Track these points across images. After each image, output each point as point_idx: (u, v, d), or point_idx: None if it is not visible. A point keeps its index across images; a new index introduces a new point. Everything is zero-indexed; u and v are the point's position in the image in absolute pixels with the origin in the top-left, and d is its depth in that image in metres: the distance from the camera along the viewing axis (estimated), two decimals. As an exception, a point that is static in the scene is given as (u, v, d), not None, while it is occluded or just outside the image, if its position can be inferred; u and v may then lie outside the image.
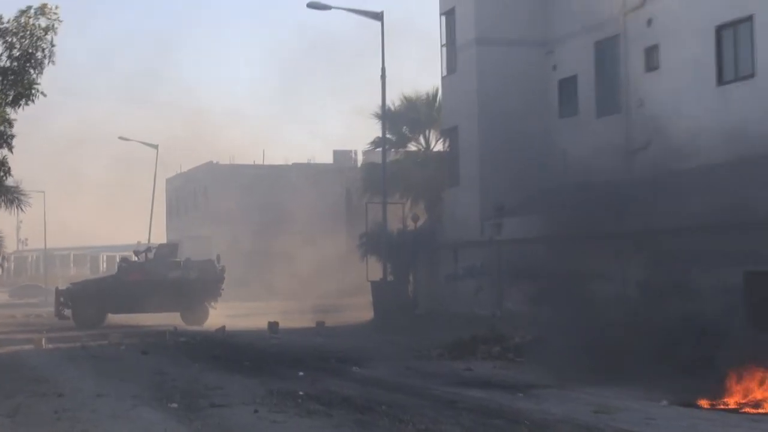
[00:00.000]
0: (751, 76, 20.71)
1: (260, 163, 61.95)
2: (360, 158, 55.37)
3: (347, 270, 36.12)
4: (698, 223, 17.68)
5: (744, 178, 18.22)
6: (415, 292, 30.97)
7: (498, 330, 19.99)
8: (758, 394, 12.75)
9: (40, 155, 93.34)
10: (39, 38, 15.23)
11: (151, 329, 28.99)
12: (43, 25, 15.29)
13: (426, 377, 15.93)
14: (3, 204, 21.64)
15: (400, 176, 32.42)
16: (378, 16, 30.09)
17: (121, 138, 54.95)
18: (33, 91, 15.44)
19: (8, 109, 15.64)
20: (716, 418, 11.83)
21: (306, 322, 28.88)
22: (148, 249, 35.79)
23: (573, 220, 20.17)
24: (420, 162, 33.24)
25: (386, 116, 31.56)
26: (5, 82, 15.36)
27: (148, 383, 15.37)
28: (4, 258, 69.29)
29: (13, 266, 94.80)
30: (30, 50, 15.24)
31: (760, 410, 12.28)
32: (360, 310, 31.36)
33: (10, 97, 15.42)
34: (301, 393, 13.65)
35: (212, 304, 33.03)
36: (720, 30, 21.48)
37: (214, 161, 61.59)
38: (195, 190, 63.44)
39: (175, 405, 12.98)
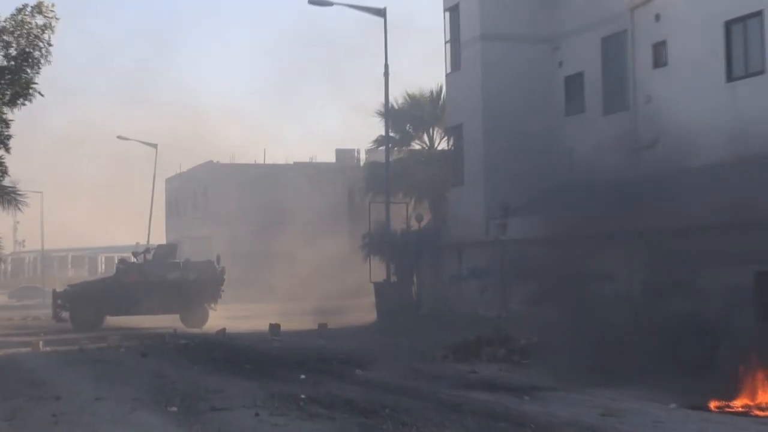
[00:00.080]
0: (761, 72, 20.71)
1: (261, 162, 61.98)
2: (363, 157, 55.40)
3: (350, 271, 36.15)
4: (706, 222, 17.69)
5: (753, 176, 18.22)
6: (418, 293, 30.98)
7: (503, 331, 19.99)
8: (767, 397, 12.76)
9: (37, 155, 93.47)
10: (36, 37, 15.26)
11: (150, 331, 29.03)
12: (40, 23, 15.32)
13: (430, 380, 15.95)
14: (0, 205, 21.67)
15: (404, 175, 32.44)
16: (381, 13, 30.12)
17: (119, 137, 55.08)
18: (30, 91, 15.48)
19: (5, 109, 15.68)
20: (725, 421, 11.84)
21: (308, 324, 28.91)
22: (147, 250, 35.84)
23: (579, 220, 20.19)
24: (424, 161, 33.26)
25: (389, 114, 31.58)
26: (2, 81, 15.40)
27: (148, 386, 15.40)
28: (1, 260, 69.44)
29: (10, 268, 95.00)
30: (27, 49, 15.27)
31: (769, 413, 12.30)
32: (363, 312, 31.38)
33: (7, 97, 15.46)
34: (303, 396, 13.68)
35: (212, 305, 33.06)
36: (729, 25, 21.48)
37: (214, 160, 61.64)
38: (195, 190, 63.50)
39: (174, 408, 13.01)
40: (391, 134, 32.63)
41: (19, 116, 16.11)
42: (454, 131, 29.92)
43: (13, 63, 15.37)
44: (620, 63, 25.22)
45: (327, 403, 13.09)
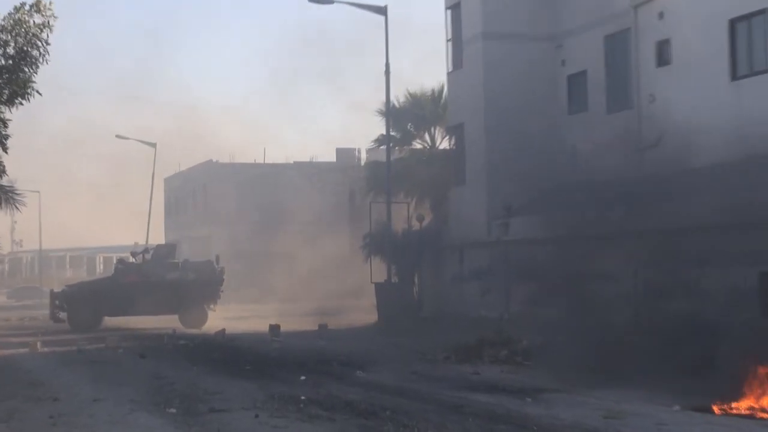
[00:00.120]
0: (766, 71, 20.71)
1: (261, 161, 62.00)
2: (363, 156, 55.42)
3: (350, 271, 36.16)
4: (710, 222, 17.68)
5: (758, 176, 18.22)
6: (420, 293, 30.98)
7: (505, 333, 19.98)
8: (772, 399, 12.76)
9: (35, 155, 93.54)
10: (35, 35, 15.26)
11: (149, 332, 29.04)
12: (38, 21, 15.33)
13: (431, 381, 15.95)
14: (-2, 204, 21.67)
15: (405, 175, 32.43)
16: (381, 11, 30.12)
17: (118, 136, 55.13)
18: (28, 90, 15.49)
19: (3, 108, 15.68)
20: (729, 424, 11.84)
21: (308, 324, 28.91)
22: (146, 250, 35.84)
23: (581, 220, 20.19)
24: (425, 160, 33.25)
25: (390, 113, 31.59)
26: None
27: (146, 387, 15.41)
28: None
29: (7, 268, 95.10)
30: (25, 48, 15.27)
31: (775, 415, 12.28)
32: (363, 313, 31.38)
33: (5, 96, 15.46)
34: (302, 397, 13.68)
35: (211, 306, 33.07)
36: (734, 23, 21.48)
37: (214, 160, 61.67)
38: (194, 190, 63.54)
39: (173, 410, 13.01)
40: (393, 133, 32.63)
41: (16, 115, 16.13)
42: (455, 130, 29.92)
43: (10, 62, 15.38)
44: (623, 61, 25.21)
45: (327, 404, 13.09)
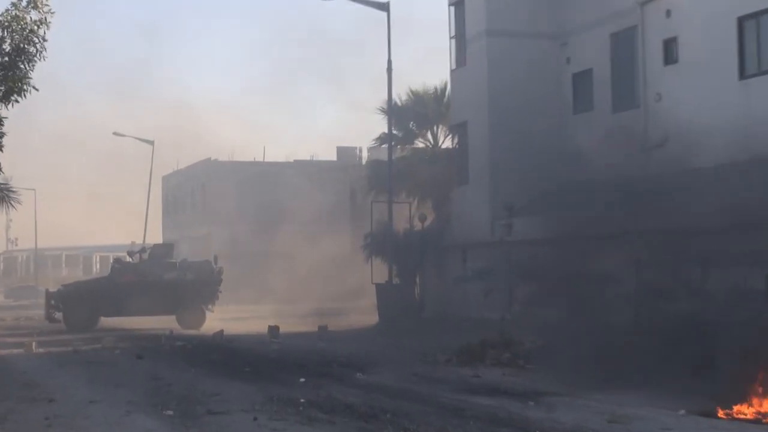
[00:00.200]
0: (775, 69, 20.74)
1: (260, 160, 62.01)
2: (365, 155, 55.46)
3: (351, 272, 36.19)
4: (717, 223, 17.70)
5: (765, 176, 18.23)
6: (421, 294, 31.00)
7: (508, 335, 20.00)
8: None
9: (30, 153, 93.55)
10: (31, 32, 15.28)
11: (146, 333, 29.07)
12: (35, 18, 15.35)
13: (432, 384, 15.98)
14: (-8, 202, 21.69)
15: (407, 174, 32.45)
16: (384, 7, 30.15)
17: (115, 134, 55.23)
18: (24, 87, 15.51)
19: (-2, 105, 15.71)
20: (735, 429, 11.87)
21: (308, 326, 28.94)
22: (143, 249, 35.85)
23: (585, 220, 20.21)
24: (427, 159, 33.28)
25: (392, 111, 31.61)
26: (-5, 78, 15.43)
27: (143, 389, 15.44)
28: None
29: (2, 267, 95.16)
30: (22, 45, 15.30)
31: (781, 420, 12.29)
32: (364, 314, 31.41)
33: (0, 93, 15.48)
34: (302, 400, 13.71)
35: (209, 306, 33.11)
36: (742, 21, 21.49)
37: (213, 158, 61.70)
38: (193, 188, 63.57)
39: (170, 412, 13.04)
40: (394, 132, 32.64)
41: (12, 113, 16.14)
42: (458, 129, 29.94)
43: (6, 59, 15.40)
44: (630, 60, 25.23)
45: (327, 407, 13.12)
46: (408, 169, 32.66)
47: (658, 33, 23.99)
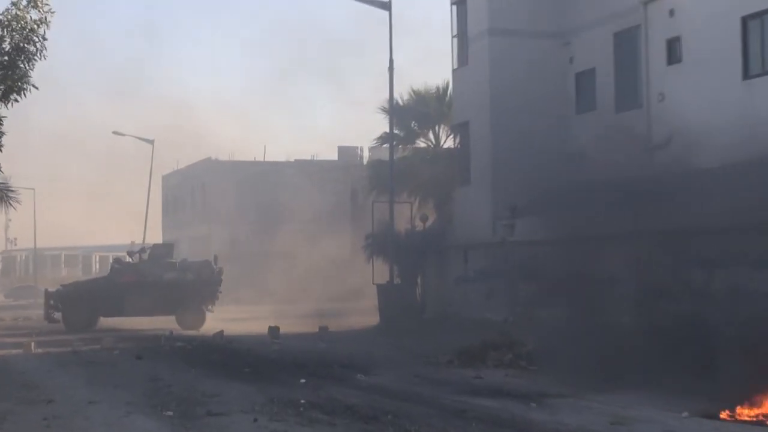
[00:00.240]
0: (779, 69, 20.73)
1: (261, 159, 62.03)
2: (366, 155, 55.47)
3: (352, 272, 36.19)
4: (721, 224, 17.67)
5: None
6: (423, 295, 31.00)
7: (510, 336, 20.00)
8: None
9: (29, 152, 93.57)
10: (31, 31, 15.28)
11: (146, 333, 29.08)
12: (35, 17, 15.35)
13: (434, 385, 15.97)
14: (-8, 201, 21.68)
15: (408, 174, 32.45)
16: (386, 6, 30.15)
17: (115, 133, 55.31)
18: (24, 85, 15.50)
19: (-3, 104, 15.70)
20: (738, 431, 11.85)
21: (308, 326, 28.94)
22: (143, 249, 35.86)
23: (588, 220, 20.18)
24: (429, 159, 33.28)
25: (394, 111, 31.59)
26: (-5, 77, 15.43)
27: (143, 390, 15.44)
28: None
29: (0, 266, 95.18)
30: (21, 44, 15.29)
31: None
32: (365, 315, 31.40)
33: (0, 93, 15.47)
34: (302, 401, 13.70)
35: (209, 307, 33.11)
36: (746, 21, 21.47)
37: (213, 157, 61.72)
38: (193, 188, 63.60)
39: (170, 413, 13.04)
40: (396, 131, 32.65)
41: (11, 112, 16.15)
42: (460, 128, 29.92)
43: (6, 58, 15.40)
44: (633, 59, 25.21)
45: (327, 408, 13.12)
46: (409, 168, 32.66)
47: (662, 32, 23.97)
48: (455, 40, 29.74)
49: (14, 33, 15.36)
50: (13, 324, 37.48)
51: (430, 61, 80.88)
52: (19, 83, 15.46)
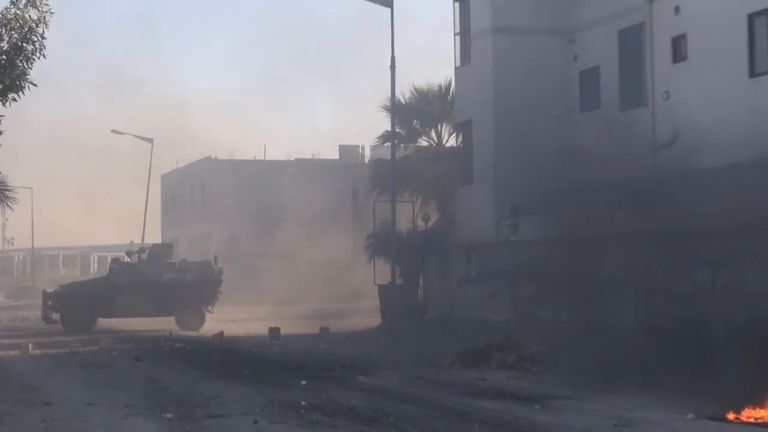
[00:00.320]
0: (786, 67, 20.72)
1: (261, 158, 62.03)
2: (367, 154, 55.49)
3: (353, 272, 36.22)
4: (722, 224, 17.68)
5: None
6: (425, 296, 31.01)
7: (513, 337, 20.00)
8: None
9: (26, 151, 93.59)
10: (30, 30, 15.31)
11: (145, 334, 29.09)
12: (35, 16, 15.38)
13: (436, 387, 15.98)
14: (-12, 201, 21.71)
15: (410, 173, 32.45)
16: (387, 3, 30.16)
17: (113, 132, 55.33)
18: (23, 83, 15.53)
19: (-5, 103, 15.73)
20: (745, 433, 11.88)
21: (309, 327, 28.96)
22: (142, 249, 35.86)
23: (592, 220, 20.19)
24: (431, 158, 33.26)
25: (396, 109, 31.59)
26: (-7, 75, 15.45)
27: (142, 391, 15.45)
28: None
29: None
30: (20, 43, 15.32)
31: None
32: (366, 316, 31.42)
33: (-2, 91, 15.51)
34: (303, 403, 13.71)
35: (209, 307, 33.11)
36: (752, 18, 21.46)
37: (212, 156, 61.73)
38: (192, 187, 63.62)
39: (169, 415, 13.05)
40: (398, 130, 32.64)
41: (9, 111, 16.18)
42: (463, 127, 29.92)
43: (4, 57, 15.43)
44: (638, 57, 25.20)
45: (328, 410, 13.13)
46: (411, 167, 32.65)
47: (667, 30, 23.96)
48: (457, 37, 29.74)
49: (13, 32, 15.39)
50: (10, 325, 37.49)
51: (431, 59, 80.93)
52: (18, 82, 15.49)
